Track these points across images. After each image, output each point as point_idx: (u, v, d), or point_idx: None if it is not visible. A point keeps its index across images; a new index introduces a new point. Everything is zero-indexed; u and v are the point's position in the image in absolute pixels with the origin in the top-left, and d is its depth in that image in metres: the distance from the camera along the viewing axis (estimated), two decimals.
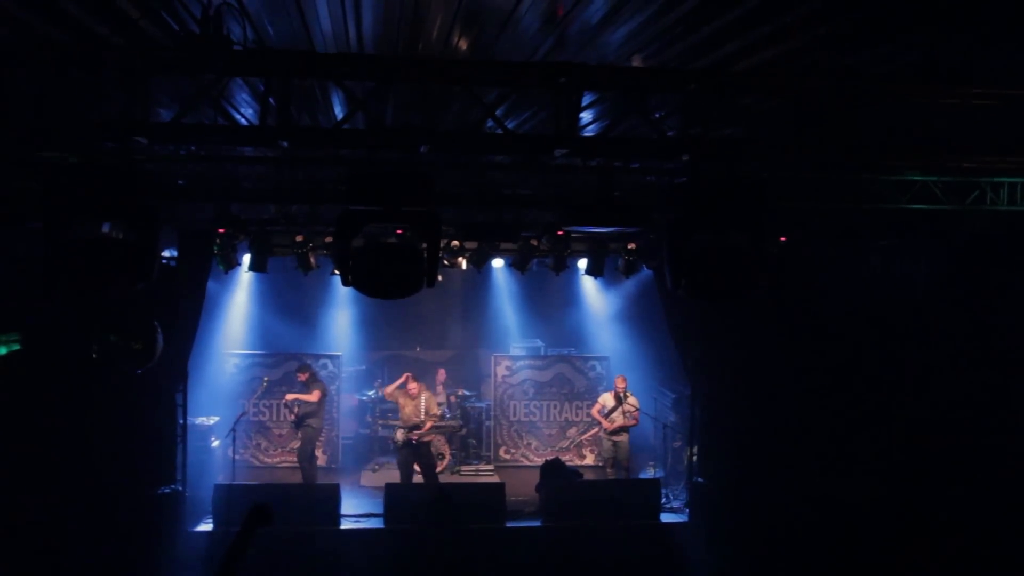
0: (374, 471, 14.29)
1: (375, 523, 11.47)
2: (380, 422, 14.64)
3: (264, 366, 14.45)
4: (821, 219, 10.55)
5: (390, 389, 13.12)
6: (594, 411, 13.42)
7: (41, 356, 9.84)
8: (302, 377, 13.11)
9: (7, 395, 9.59)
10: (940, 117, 6.70)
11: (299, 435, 13.16)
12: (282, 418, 14.47)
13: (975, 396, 10.91)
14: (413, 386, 12.80)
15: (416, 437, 12.52)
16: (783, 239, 10.65)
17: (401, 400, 12.77)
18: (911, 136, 7.41)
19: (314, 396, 12.93)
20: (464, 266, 12.44)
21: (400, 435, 12.59)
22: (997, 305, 10.66)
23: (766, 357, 11.59)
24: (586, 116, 7.47)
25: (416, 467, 12.68)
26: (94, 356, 9.81)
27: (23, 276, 9.35)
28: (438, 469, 13.84)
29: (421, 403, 12.68)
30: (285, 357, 14.46)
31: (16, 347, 9.19)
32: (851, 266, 11.43)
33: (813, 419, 11.54)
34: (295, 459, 13.42)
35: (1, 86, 5.58)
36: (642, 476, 13.84)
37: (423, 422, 12.60)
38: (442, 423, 14.20)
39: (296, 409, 13.05)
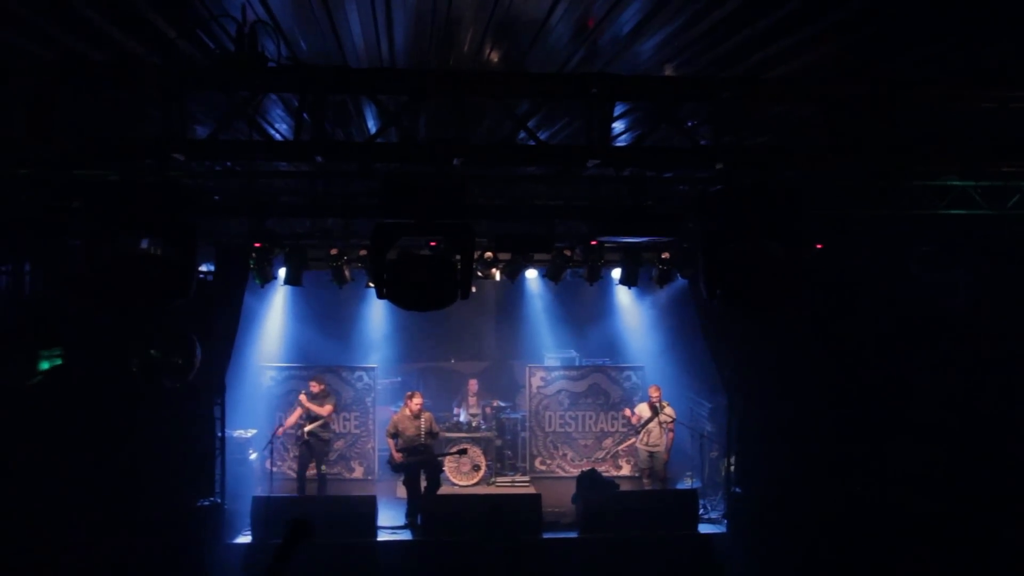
0: None
1: (412, 535, 11.53)
2: None
3: (300, 379, 14.49)
4: (858, 226, 10.44)
5: (396, 418, 12.24)
6: (633, 418, 13.41)
7: (82, 371, 9.97)
8: (316, 388, 12.91)
9: (48, 409, 9.72)
10: (978, 120, 6.61)
11: (308, 447, 12.82)
12: None
13: (1021, 403, 10.69)
14: (418, 402, 12.14)
15: (415, 460, 11.96)
16: (819, 247, 10.53)
17: (404, 424, 12.06)
18: (949, 140, 7.31)
19: (327, 409, 12.86)
20: (498, 277, 12.46)
21: (399, 457, 11.99)
22: None
23: (803, 366, 11.44)
24: (618, 126, 7.47)
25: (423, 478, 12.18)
26: (134, 370, 9.94)
27: (65, 292, 9.52)
28: (474, 480, 13.86)
29: (422, 423, 12.14)
30: (321, 370, 14.50)
31: (58, 362, 9.32)
32: (889, 273, 11.25)
33: (852, 428, 11.36)
34: (331, 471, 13.48)
35: (43, 106, 5.68)
36: (679, 487, 13.74)
37: (424, 443, 12.05)
38: (477, 434, 14.25)
39: (306, 425, 12.77)
